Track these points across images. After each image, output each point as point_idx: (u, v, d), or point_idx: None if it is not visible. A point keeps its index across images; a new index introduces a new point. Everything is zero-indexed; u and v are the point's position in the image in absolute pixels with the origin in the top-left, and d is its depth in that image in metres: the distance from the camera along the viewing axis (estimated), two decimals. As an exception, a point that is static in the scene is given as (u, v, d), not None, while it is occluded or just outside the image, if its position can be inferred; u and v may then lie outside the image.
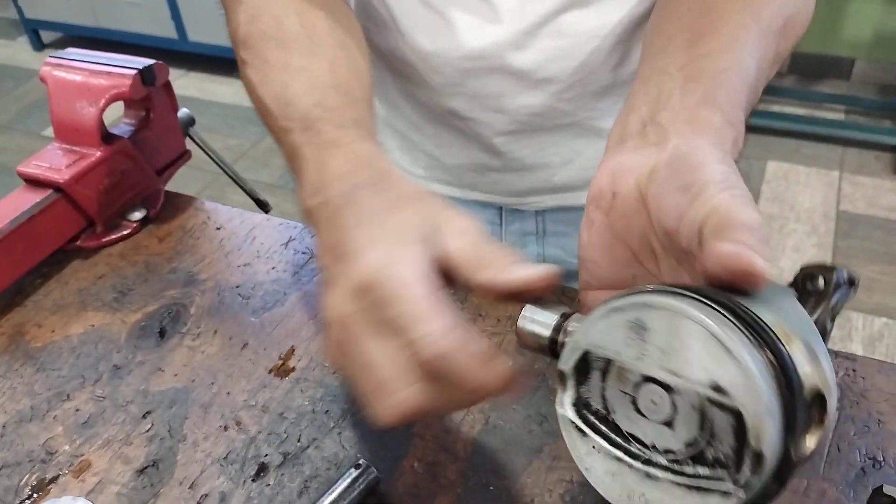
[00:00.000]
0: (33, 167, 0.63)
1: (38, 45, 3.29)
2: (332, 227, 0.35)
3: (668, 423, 0.28)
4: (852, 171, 2.25)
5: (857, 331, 1.72)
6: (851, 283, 0.32)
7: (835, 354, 0.53)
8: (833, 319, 0.32)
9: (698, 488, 0.27)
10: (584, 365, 0.31)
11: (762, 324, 0.26)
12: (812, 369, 0.26)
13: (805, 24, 0.46)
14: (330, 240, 0.35)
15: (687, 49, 0.38)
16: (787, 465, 0.26)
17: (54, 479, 0.47)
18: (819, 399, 0.26)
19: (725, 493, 0.26)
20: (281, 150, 0.44)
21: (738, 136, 0.35)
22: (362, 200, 0.35)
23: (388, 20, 0.60)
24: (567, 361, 0.31)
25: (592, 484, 0.30)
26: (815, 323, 0.31)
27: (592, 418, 0.30)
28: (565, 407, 0.31)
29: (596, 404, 0.30)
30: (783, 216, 2.08)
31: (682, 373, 0.27)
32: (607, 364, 0.30)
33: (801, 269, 0.34)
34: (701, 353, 0.26)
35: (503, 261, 0.33)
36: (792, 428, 0.25)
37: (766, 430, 0.25)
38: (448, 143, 0.65)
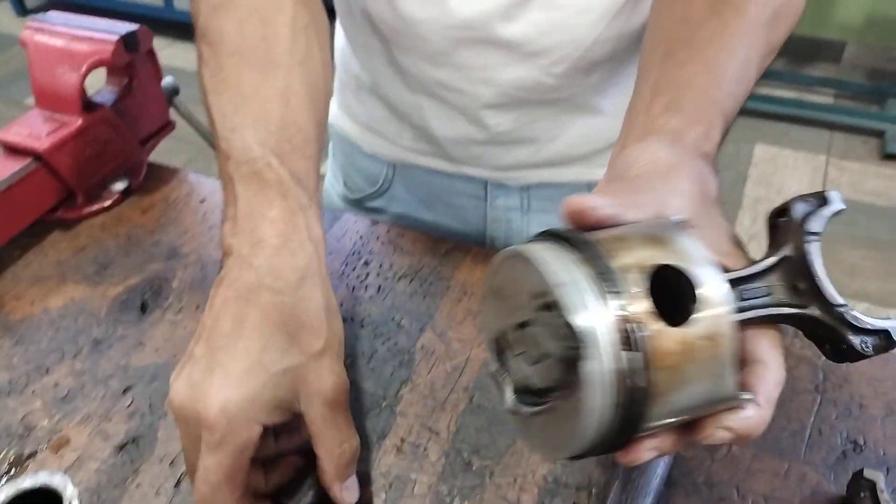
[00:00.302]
0: (13, 134, 0.61)
1: (21, 11, 3.22)
2: (228, 291, 0.39)
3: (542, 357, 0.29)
4: (839, 155, 2.26)
5: (838, 314, 1.74)
6: (823, 200, 0.33)
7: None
8: (810, 239, 0.32)
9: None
10: (502, 353, 0.32)
11: (582, 238, 0.28)
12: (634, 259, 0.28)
13: (798, 12, 0.47)
14: (218, 303, 0.39)
15: (661, 63, 0.41)
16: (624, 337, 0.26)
17: (32, 455, 0.46)
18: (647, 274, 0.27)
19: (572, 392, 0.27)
20: (217, 161, 0.45)
21: (710, 128, 0.37)
22: (260, 304, 0.38)
23: None
24: (492, 362, 0.32)
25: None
26: (795, 249, 0.32)
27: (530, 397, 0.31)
28: (507, 401, 0.31)
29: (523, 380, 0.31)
30: (770, 200, 2.09)
31: (522, 305, 0.29)
32: (504, 339, 0.31)
33: (776, 208, 0.35)
34: (526, 279, 0.29)
35: (341, 465, 0.40)
36: (603, 294, 0.27)
37: (572, 298, 0.26)
38: (434, 114, 0.65)
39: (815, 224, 0.32)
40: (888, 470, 0.45)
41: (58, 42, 0.63)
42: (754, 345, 0.31)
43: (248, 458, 0.37)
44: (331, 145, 0.81)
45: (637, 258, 0.28)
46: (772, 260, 0.32)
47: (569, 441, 0.29)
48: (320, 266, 0.41)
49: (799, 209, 0.33)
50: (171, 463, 0.46)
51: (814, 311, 0.31)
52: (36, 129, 0.62)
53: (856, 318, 0.31)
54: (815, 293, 0.31)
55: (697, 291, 0.28)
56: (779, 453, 0.46)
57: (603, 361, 0.26)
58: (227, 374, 0.37)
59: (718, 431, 0.30)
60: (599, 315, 0.26)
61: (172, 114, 0.73)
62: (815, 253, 0.32)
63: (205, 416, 0.36)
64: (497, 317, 0.32)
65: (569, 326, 0.27)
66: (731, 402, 0.30)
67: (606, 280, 0.27)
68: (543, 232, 0.31)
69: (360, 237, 0.62)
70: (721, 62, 0.40)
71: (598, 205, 0.30)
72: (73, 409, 0.49)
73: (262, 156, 0.42)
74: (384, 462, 0.46)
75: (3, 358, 0.53)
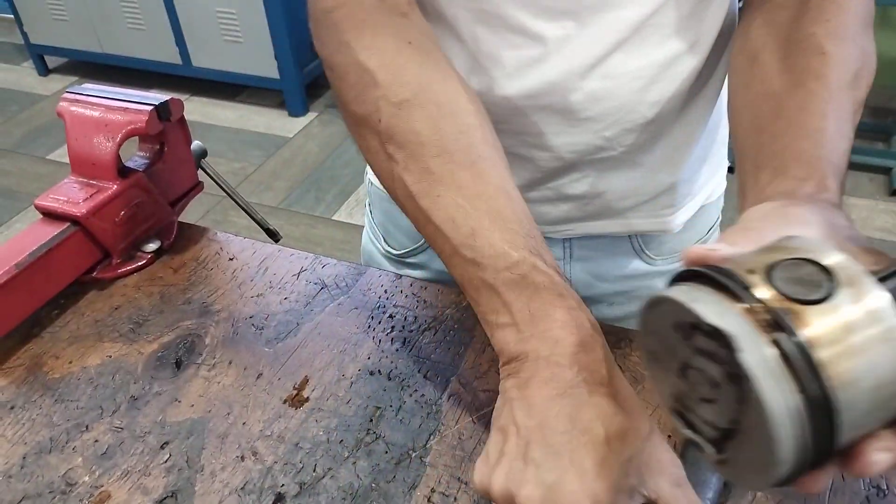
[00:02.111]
0: (51, 200, 0.65)
1: (43, 70, 3.33)
2: (548, 391, 0.40)
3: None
4: (847, 192, 2.27)
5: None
6: None
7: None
8: None
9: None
10: (684, 415, 0.32)
11: (700, 268, 0.29)
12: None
13: (874, 69, 0.50)
14: (540, 403, 0.39)
15: (756, 140, 0.45)
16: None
17: (75, 510, 0.48)
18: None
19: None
20: (450, 270, 0.46)
21: (822, 180, 0.39)
22: (588, 400, 0.39)
23: None
24: (681, 428, 0.33)
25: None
26: None
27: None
28: (711, 455, 0.31)
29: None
30: (781, 238, 2.10)
31: (674, 351, 0.29)
32: (678, 399, 0.32)
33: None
34: (665, 321, 0.30)
35: None
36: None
37: (706, 309, 0.27)
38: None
39: None
40: (911, 513, 0.46)
41: (94, 113, 0.67)
42: None
43: None
44: (367, 201, 0.81)
45: (759, 262, 0.28)
46: None
47: (772, 457, 0.27)
48: (610, 357, 0.42)
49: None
50: (209, 517, 0.47)
51: None
52: (73, 196, 0.65)
53: None
54: None
55: (826, 264, 0.27)
56: (803, 499, 0.47)
57: (754, 347, 0.26)
58: (584, 471, 0.37)
59: None
60: (731, 311, 0.27)
61: (200, 175, 0.76)
62: None
63: None
64: (663, 378, 0.32)
65: (718, 338, 0.26)
66: None
67: (734, 283, 0.27)
68: (671, 279, 0.32)
69: (385, 291, 0.64)
70: (816, 124, 0.43)
71: (717, 248, 0.31)
72: (112, 465, 0.51)
73: (522, 259, 0.43)
74: (415, 513, 0.47)
75: (44, 416, 0.55)
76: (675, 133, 0.63)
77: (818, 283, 0.27)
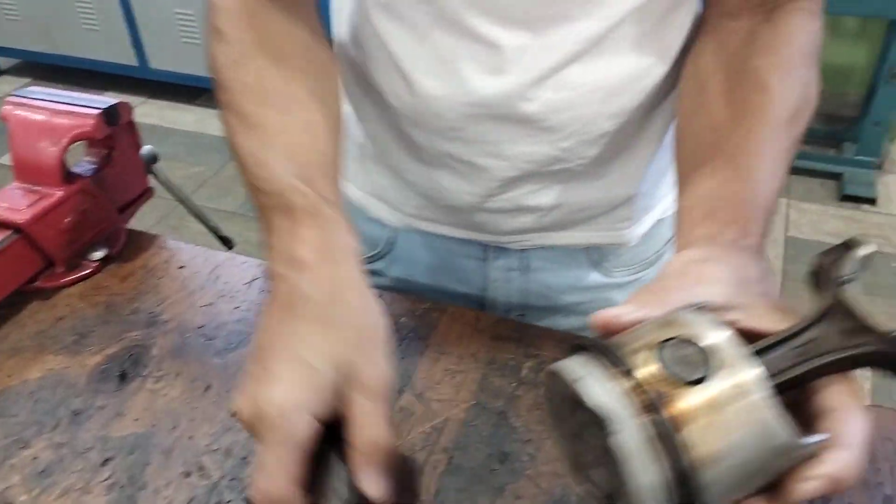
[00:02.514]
0: (-9, 207, 0.62)
1: (-7, 71, 3.23)
2: (273, 307, 0.43)
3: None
4: (799, 198, 2.34)
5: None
6: (847, 247, 0.35)
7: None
8: (843, 283, 0.33)
9: None
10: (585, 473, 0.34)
11: (596, 342, 0.31)
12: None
13: (813, 105, 0.51)
14: (265, 320, 0.43)
15: (695, 176, 0.47)
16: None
17: (11, 531, 0.46)
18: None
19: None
20: (249, 198, 0.49)
21: (747, 224, 0.41)
22: (302, 312, 0.41)
23: (387, 61, 0.59)
24: (585, 489, 0.35)
25: None
26: (833, 297, 0.33)
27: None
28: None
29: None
30: (737, 243, 2.15)
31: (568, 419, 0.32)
32: (577, 458, 0.34)
33: (809, 272, 0.37)
34: (558, 391, 0.32)
35: (370, 455, 0.40)
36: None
37: (587, 387, 0.29)
38: (441, 185, 0.65)
39: (846, 268, 0.34)
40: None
41: (39, 117, 0.65)
42: (822, 395, 0.33)
43: (305, 452, 0.38)
44: None
45: (646, 341, 0.30)
46: (814, 314, 0.33)
47: None
48: (355, 271, 0.44)
49: (826, 261, 0.34)
50: (153, 535, 0.46)
51: (868, 346, 0.32)
52: (15, 202, 0.63)
53: None
54: (863, 330, 0.32)
55: (703, 346, 0.29)
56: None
57: (625, 429, 0.27)
58: (279, 378, 0.39)
59: (804, 484, 0.30)
60: (612, 392, 0.28)
61: (150, 180, 0.75)
62: (852, 293, 0.33)
63: (265, 418, 0.38)
64: (563, 438, 0.34)
65: (595, 415, 0.28)
66: (803, 452, 0.30)
67: (617, 364, 0.29)
68: (571, 346, 0.34)
69: (338, 300, 0.63)
70: (751, 165, 0.45)
71: (622, 312, 0.34)
72: (51, 484, 0.49)
73: (290, 184, 0.45)
74: (366, 527, 0.46)
75: (-19, 432, 0.53)
76: (635, 146, 0.63)
77: (698, 364, 0.29)
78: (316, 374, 0.40)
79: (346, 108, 0.72)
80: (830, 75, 2.65)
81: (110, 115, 0.65)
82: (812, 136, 2.61)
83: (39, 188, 0.64)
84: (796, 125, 0.49)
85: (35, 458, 0.51)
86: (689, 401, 0.28)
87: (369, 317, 0.43)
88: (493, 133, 0.60)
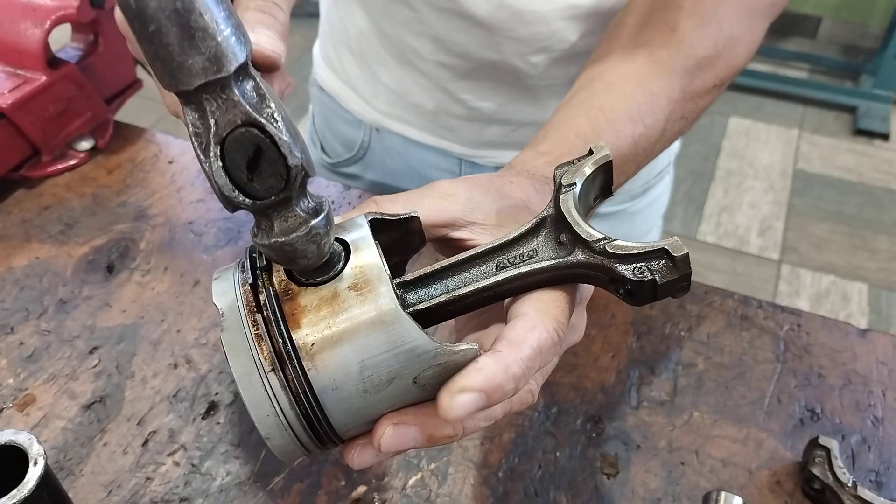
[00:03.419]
0: (-28, 90, 0.60)
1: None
2: None
3: None
4: (811, 130, 2.29)
5: (804, 287, 1.78)
6: (587, 156, 0.32)
7: (780, 310, 0.55)
8: (563, 191, 0.32)
9: None
10: None
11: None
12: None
13: (736, 64, 0.47)
14: None
15: (564, 103, 0.44)
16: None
17: (-4, 413, 0.46)
18: None
19: None
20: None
21: (556, 156, 0.39)
22: None
23: None
24: None
25: None
26: (554, 206, 0.31)
27: None
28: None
29: None
30: (742, 172, 2.11)
31: None
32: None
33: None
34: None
35: None
36: None
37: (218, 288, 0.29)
38: (410, 82, 0.64)
39: (567, 177, 0.32)
40: (843, 437, 0.47)
41: (20, -6, 0.61)
42: (516, 304, 0.30)
43: None
44: (310, 107, 0.80)
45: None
46: (530, 224, 0.32)
47: (270, 434, 0.28)
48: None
49: (558, 173, 0.32)
50: (139, 422, 0.46)
51: (577, 255, 0.30)
52: (-2, 85, 0.60)
53: (617, 246, 0.29)
54: (576, 239, 0.30)
55: (348, 240, 0.29)
56: (738, 420, 0.48)
57: (232, 325, 0.27)
58: None
59: (456, 397, 0.26)
60: (231, 293, 0.28)
61: (140, 72, 0.71)
62: (569, 202, 0.31)
63: None
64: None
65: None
66: (449, 360, 0.27)
67: (245, 270, 0.28)
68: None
69: (333, 202, 0.62)
70: (610, 104, 0.42)
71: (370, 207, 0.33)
72: (38, 369, 0.49)
73: None
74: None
75: (-34, 317, 0.52)
76: None
77: (328, 268, 0.28)
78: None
79: None
80: (852, 4, 2.55)
81: (96, -4, 0.62)
82: (829, 67, 2.53)
83: (22, 72, 0.61)
84: (697, 77, 0.45)
85: (21, 343, 0.50)
86: (302, 298, 0.27)
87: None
88: (457, 34, 0.58)
